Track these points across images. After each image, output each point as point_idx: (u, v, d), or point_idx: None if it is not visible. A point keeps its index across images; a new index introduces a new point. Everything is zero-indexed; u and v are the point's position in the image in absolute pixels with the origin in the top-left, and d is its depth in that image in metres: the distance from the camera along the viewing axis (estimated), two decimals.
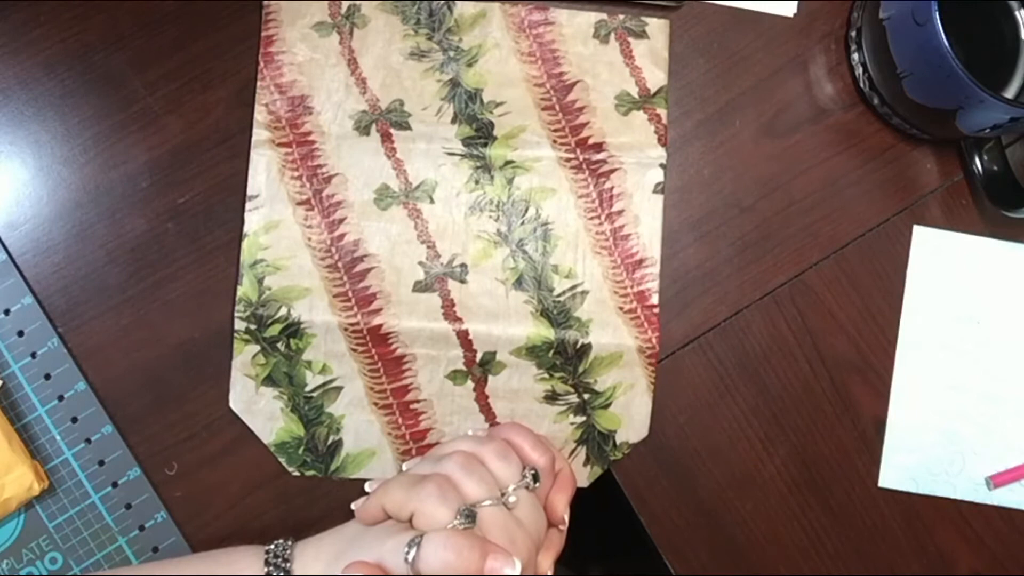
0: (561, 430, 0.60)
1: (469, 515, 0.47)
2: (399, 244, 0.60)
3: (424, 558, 0.45)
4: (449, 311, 0.59)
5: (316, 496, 0.59)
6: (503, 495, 0.50)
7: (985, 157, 0.62)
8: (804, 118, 0.63)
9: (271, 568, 0.49)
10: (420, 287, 0.59)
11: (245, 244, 0.59)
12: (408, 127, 0.60)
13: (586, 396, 0.60)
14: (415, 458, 0.58)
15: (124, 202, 0.59)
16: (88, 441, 0.58)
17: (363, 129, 0.60)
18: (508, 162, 0.60)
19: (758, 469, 0.61)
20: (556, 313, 0.60)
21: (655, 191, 0.61)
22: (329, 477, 0.59)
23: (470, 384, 0.60)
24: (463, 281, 0.60)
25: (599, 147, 0.60)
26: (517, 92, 0.61)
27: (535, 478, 0.52)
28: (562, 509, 0.54)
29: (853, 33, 0.62)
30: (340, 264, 0.59)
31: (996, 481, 0.62)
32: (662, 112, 0.61)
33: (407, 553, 0.46)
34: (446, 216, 0.60)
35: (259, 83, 0.59)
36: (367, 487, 0.56)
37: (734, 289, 0.62)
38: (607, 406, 0.60)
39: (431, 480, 0.48)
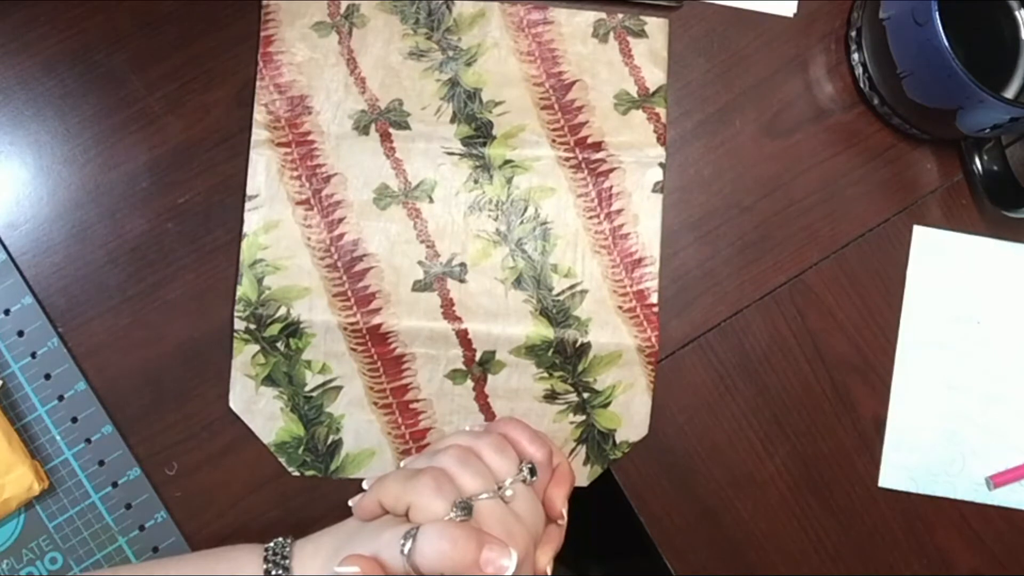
0: (561, 429, 0.60)
1: (465, 507, 0.47)
2: (398, 244, 0.60)
3: (420, 549, 0.45)
4: (448, 310, 0.59)
5: (316, 496, 0.59)
6: (500, 488, 0.50)
7: (985, 157, 0.62)
8: (804, 118, 0.63)
9: (270, 566, 0.49)
10: (419, 286, 0.59)
11: (245, 244, 0.59)
12: (407, 127, 0.60)
13: (585, 395, 0.60)
14: (413, 455, 0.58)
15: (124, 202, 0.59)
16: (88, 441, 0.58)
17: (362, 129, 0.60)
18: (507, 161, 0.60)
19: (758, 469, 0.61)
20: (555, 312, 0.60)
21: (654, 190, 0.61)
22: (329, 477, 0.59)
23: (469, 383, 0.60)
24: (462, 280, 0.60)
25: (598, 146, 0.61)
26: (516, 91, 0.61)
27: (532, 472, 0.51)
28: (560, 503, 0.54)
29: (853, 33, 0.62)
30: (339, 264, 0.59)
31: (996, 481, 0.61)
32: (661, 111, 0.61)
33: (403, 545, 0.46)
34: (445, 215, 0.60)
35: (258, 83, 0.60)
36: (364, 484, 0.56)
37: (734, 289, 0.62)
38: (607, 405, 0.60)
39: (427, 473, 0.48)
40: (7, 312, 0.58)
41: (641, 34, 0.61)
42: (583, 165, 0.60)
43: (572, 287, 0.60)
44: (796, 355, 0.62)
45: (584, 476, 0.60)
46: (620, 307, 0.60)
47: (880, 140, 0.63)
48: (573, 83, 0.61)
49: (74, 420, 0.58)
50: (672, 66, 0.62)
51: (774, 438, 0.61)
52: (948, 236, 0.63)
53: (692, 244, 0.62)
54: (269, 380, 0.59)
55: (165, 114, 0.60)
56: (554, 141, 0.60)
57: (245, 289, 0.58)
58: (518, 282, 0.60)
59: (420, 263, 0.60)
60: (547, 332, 0.59)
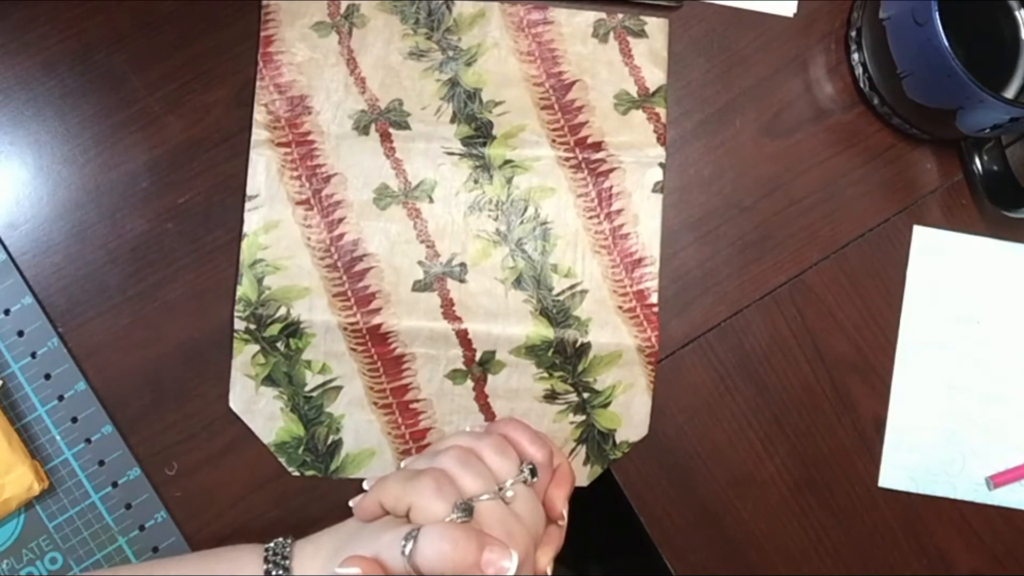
0: (561, 429, 0.60)
1: (466, 509, 0.47)
2: (398, 244, 0.60)
3: (421, 550, 0.45)
4: (448, 310, 0.59)
5: (316, 496, 0.59)
6: (500, 489, 0.50)
7: (985, 157, 0.62)
8: (804, 118, 0.63)
9: (270, 566, 0.49)
10: (419, 286, 0.59)
11: (245, 244, 0.59)
12: (407, 127, 0.60)
13: (586, 395, 0.60)
14: (413, 456, 0.57)
15: (124, 202, 0.59)
16: (88, 441, 0.58)
17: (362, 129, 0.60)
18: (507, 161, 0.60)
19: (758, 469, 0.61)
20: (555, 312, 0.60)
21: (654, 190, 0.61)
22: (329, 477, 0.59)
23: (469, 383, 0.60)
24: (462, 280, 0.60)
25: (598, 146, 0.61)
26: (516, 91, 0.61)
27: (533, 472, 0.52)
28: (561, 504, 0.54)
29: (853, 33, 0.62)
30: (339, 264, 0.59)
31: (996, 481, 0.61)
32: (661, 111, 0.61)
33: (404, 546, 0.46)
34: (445, 216, 0.60)
35: (258, 83, 0.60)
36: (365, 484, 0.56)
37: (734, 289, 0.62)
38: (607, 405, 0.60)
39: (427, 474, 0.48)
40: (7, 312, 0.58)
41: (641, 34, 0.61)
42: (583, 165, 0.60)
43: (572, 287, 0.60)
44: (796, 355, 0.62)
45: (584, 476, 0.60)
46: (620, 307, 0.60)
47: (880, 140, 0.63)
48: (573, 83, 0.61)
49: (74, 420, 0.58)
50: (672, 66, 0.62)
51: (774, 438, 0.61)
52: (948, 236, 0.63)
53: (692, 244, 0.62)
54: (269, 380, 0.59)
55: (165, 114, 0.60)
56: (554, 141, 0.60)
57: (245, 289, 0.58)
58: (518, 282, 0.60)
59: (420, 263, 0.60)
60: (547, 332, 0.59)
